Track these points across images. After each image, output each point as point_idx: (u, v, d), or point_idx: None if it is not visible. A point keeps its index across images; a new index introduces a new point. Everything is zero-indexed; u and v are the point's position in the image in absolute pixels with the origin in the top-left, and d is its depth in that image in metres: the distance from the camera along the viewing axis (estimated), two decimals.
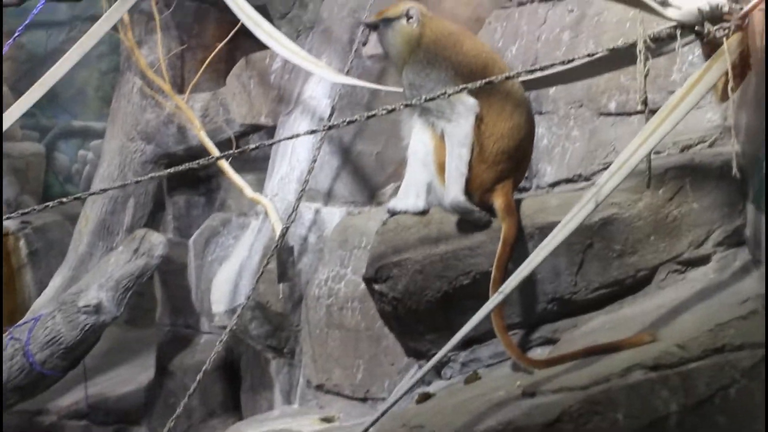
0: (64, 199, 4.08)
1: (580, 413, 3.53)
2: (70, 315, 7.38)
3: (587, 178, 5.26)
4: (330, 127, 4.58)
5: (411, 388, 4.19)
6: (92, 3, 9.41)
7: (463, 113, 4.51)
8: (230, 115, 7.77)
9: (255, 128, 7.78)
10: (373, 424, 4.16)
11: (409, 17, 4.71)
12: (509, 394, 3.90)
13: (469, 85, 4.14)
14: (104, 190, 7.44)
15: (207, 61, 7.71)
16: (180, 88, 7.96)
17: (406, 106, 4.27)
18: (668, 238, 4.43)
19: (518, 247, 4.45)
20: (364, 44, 4.78)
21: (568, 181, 5.38)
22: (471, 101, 4.51)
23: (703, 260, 4.42)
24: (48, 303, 8.10)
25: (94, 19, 9.27)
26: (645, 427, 3.55)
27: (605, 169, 5.20)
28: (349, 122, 4.27)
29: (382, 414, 4.13)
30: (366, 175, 6.68)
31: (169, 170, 4.21)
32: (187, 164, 4.12)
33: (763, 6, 3.86)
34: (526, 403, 3.72)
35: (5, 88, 10.35)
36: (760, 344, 3.66)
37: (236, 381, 7.65)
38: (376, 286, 4.66)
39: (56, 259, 9.30)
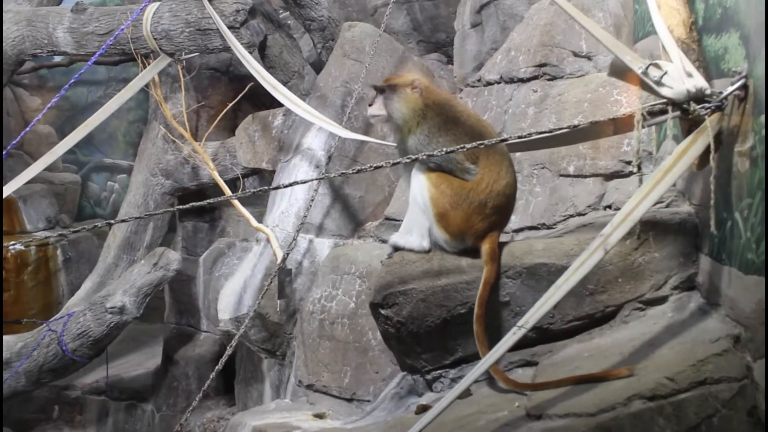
0: (101, 222, 3.74)
1: None
2: (98, 314, 6.77)
3: (550, 227, 4.64)
4: (342, 174, 3.90)
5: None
6: (125, 68, 8.90)
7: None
8: (236, 159, 7.04)
9: (256, 171, 7.07)
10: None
11: (414, 87, 4.01)
12: (513, 415, 3.21)
13: (486, 143, 3.46)
14: (136, 218, 6.81)
15: (220, 116, 7.06)
16: (194, 137, 7.22)
17: (413, 161, 3.80)
18: (633, 281, 3.84)
19: (497, 286, 3.88)
20: (371, 105, 4.04)
21: (531, 228, 4.73)
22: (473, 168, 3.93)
23: (661, 300, 3.84)
24: (80, 302, 7.42)
25: (126, 80, 8.67)
26: None
27: (566, 220, 4.61)
28: (359, 170, 3.72)
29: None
30: (351, 214, 6.06)
31: (191, 204, 3.68)
32: (208, 200, 3.74)
33: (738, 92, 3.28)
34: (538, 426, 3.05)
35: (52, 129, 9.65)
36: (736, 378, 3.15)
37: (229, 371, 6.88)
38: (383, 311, 3.97)
39: (85, 266, 8.73)
